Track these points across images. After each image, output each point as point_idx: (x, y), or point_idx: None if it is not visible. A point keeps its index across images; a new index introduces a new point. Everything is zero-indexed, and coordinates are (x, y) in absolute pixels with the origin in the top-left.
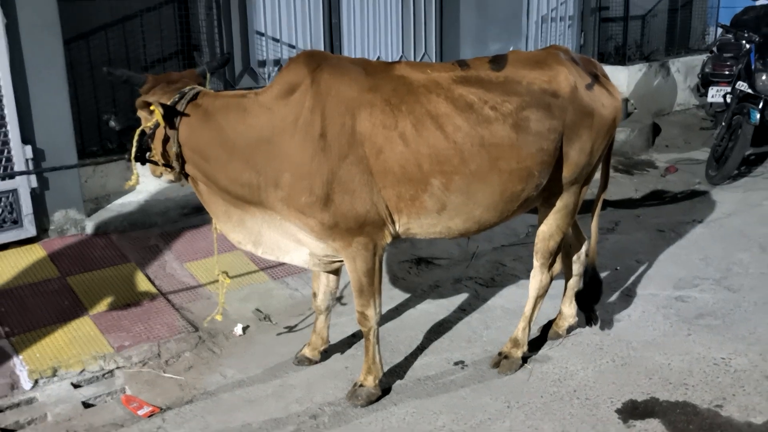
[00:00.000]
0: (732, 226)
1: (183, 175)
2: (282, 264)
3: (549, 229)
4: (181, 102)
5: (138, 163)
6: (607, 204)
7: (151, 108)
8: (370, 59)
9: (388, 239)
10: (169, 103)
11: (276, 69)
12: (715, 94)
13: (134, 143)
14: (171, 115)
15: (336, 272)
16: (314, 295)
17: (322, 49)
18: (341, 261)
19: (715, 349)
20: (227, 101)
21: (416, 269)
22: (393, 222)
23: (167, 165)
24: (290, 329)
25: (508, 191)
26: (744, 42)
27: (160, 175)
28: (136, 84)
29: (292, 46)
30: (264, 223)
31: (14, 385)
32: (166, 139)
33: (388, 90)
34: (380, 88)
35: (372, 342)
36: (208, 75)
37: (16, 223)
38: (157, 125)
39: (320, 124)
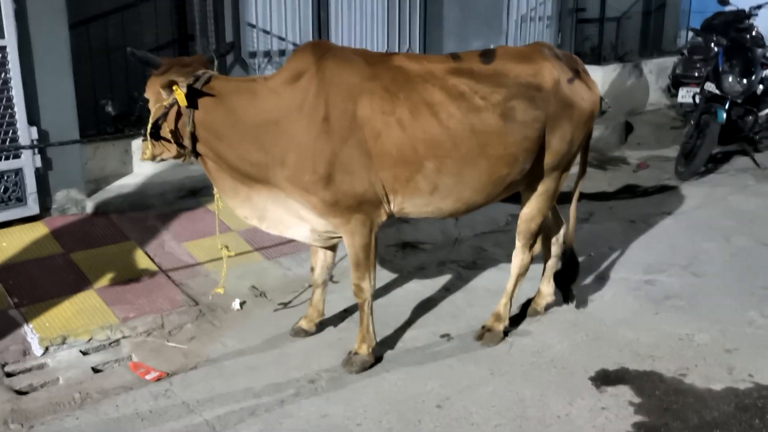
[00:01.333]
0: (699, 218)
1: (194, 153)
2: (276, 245)
3: (531, 211)
4: (197, 84)
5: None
6: (582, 196)
7: (174, 88)
8: (370, 50)
9: (384, 217)
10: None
11: (266, 60)
12: (685, 95)
13: (150, 120)
14: (191, 95)
15: (333, 248)
16: (312, 269)
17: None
18: (339, 237)
19: (680, 326)
20: (238, 85)
21: (402, 253)
22: (389, 201)
23: (178, 143)
24: (285, 305)
25: (494, 175)
26: (713, 45)
27: (152, 158)
28: (153, 65)
29: (282, 39)
30: (269, 200)
31: (26, 351)
32: (178, 119)
33: (387, 79)
34: (380, 76)
35: (366, 313)
36: (215, 61)
37: (21, 201)
38: (172, 104)
39: (324, 108)
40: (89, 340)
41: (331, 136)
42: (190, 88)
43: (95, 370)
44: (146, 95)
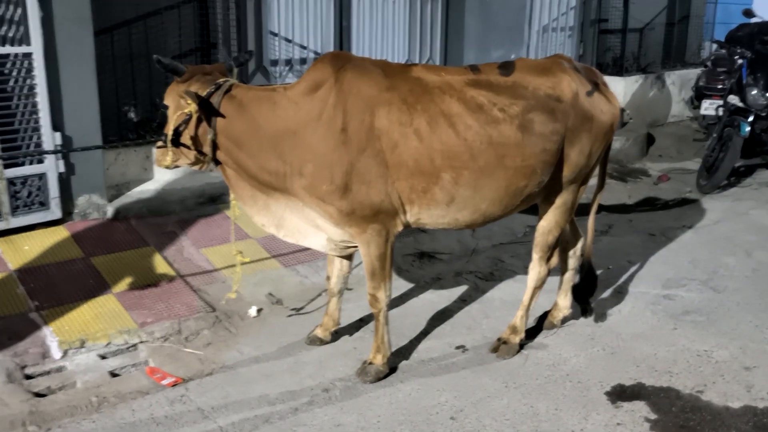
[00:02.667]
0: (720, 232)
1: (214, 161)
2: (293, 252)
3: (548, 224)
4: (218, 93)
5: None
6: (601, 208)
7: (187, 100)
8: (389, 61)
9: (400, 227)
10: (205, 93)
11: (287, 68)
12: (708, 107)
13: (171, 127)
14: (211, 105)
15: (349, 257)
16: (328, 278)
17: (332, 50)
18: (355, 246)
19: (699, 342)
20: (259, 94)
21: (419, 263)
22: (405, 212)
23: (198, 150)
24: (297, 311)
25: (512, 187)
26: (737, 57)
27: (169, 165)
28: (178, 73)
29: (303, 47)
30: (287, 209)
31: (45, 354)
32: (199, 126)
33: (405, 90)
34: (398, 87)
35: (381, 323)
36: (235, 69)
37: (44, 205)
38: (191, 113)
39: (342, 119)
40: (107, 344)
41: (349, 147)
42: (209, 97)
43: (113, 374)
44: (166, 102)
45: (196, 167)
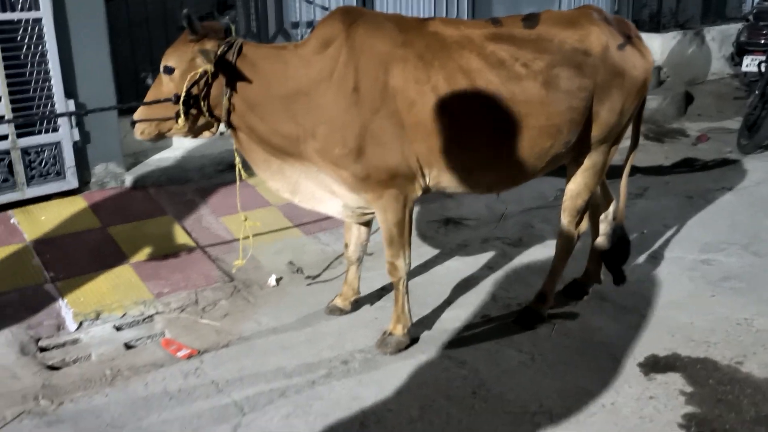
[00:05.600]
0: (761, 194)
1: (227, 124)
2: (315, 221)
3: (577, 187)
4: (230, 52)
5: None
6: (636, 170)
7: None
8: (404, 15)
9: (419, 192)
10: (219, 52)
11: (308, 30)
12: (750, 63)
13: (184, 89)
14: (226, 64)
15: (367, 224)
16: (346, 246)
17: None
18: (373, 213)
19: (739, 310)
20: (269, 52)
21: (444, 229)
22: (423, 175)
23: (211, 113)
24: (313, 278)
25: (536, 147)
26: None
27: (162, 134)
28: (196, 32)
29: (324, 8)
30: (302, 174)
31: (60, 326)
32: (209, 88)
33: (421, 46)
34: (413, 43)
35: (401, 292)
36: (233, 27)
37: (60, 175)
38: (206, 73)
39: (354, 78)
40: (123, 315)
41: (361, 107)
42: (223, 56)
43: (128, 346)
44: (169, 63)
45: (189, 136)
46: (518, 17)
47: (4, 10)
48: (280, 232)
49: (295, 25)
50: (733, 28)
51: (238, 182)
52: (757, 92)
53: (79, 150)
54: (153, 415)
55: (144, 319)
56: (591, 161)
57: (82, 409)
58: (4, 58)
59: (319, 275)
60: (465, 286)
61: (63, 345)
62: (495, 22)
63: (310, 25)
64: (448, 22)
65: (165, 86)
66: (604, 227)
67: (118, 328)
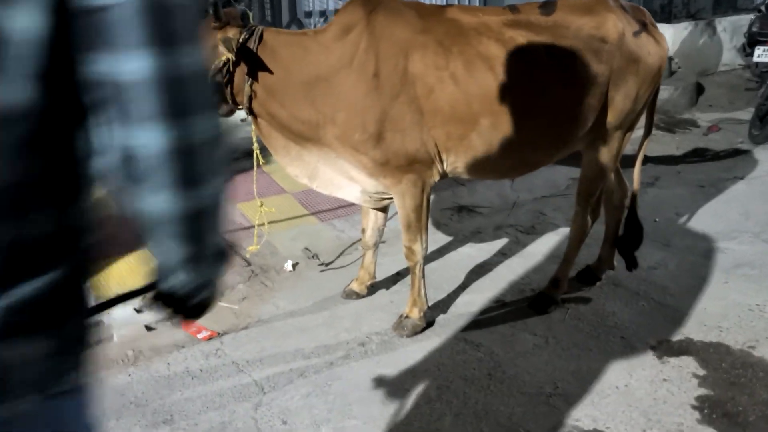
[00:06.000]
0: None
1: (249, 111)
2: (330, 209)
3: (591, 173)
4: (252, 39)
5: None
6: (648, 160)
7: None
8: (423, 2)
9: (436, 177)
10: (240, 39)
11: (322, 20)
12: (762, 54)
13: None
14: (248, 52)
15: (384, 210)
16: (363, 231)
17: None
18: (390, 198)
19: (751, 296)
20: (290, 39)
21: (458, 216)
22: (441, 161)
23: (234, 101)
24: (327, 265)
25: (553, 133)
26: None
27: None
28: (219, 19)
29: None
30: (320, 160)
31: None
32: (231, 75)
33: (440, 32)
34: (432, 30)
35: (418, 276)
36: (250, 14)
37: None
38: (228, 60)
39: (374, 64)
40: (143, 298)
41: (381, 93)
42: (245, 43)
43: (148, 328)
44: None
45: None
46: (535, 4)
47: None
48: (295, 219)
49: (309, 14)
50: (745, 19)
51: (255, 168)
52: None
53: None
54: (176, 394)
55: None
56: (606, 147)
57: (106, 388)
58: None
59: (333, 261)
60: (479, 271)
61: None
62: (512, 9)
63: (323, 14)
64: (465, 9)
65: None
66: (617, 214)
67: (139, 311)
